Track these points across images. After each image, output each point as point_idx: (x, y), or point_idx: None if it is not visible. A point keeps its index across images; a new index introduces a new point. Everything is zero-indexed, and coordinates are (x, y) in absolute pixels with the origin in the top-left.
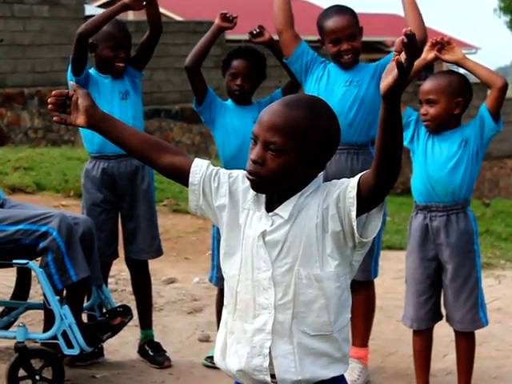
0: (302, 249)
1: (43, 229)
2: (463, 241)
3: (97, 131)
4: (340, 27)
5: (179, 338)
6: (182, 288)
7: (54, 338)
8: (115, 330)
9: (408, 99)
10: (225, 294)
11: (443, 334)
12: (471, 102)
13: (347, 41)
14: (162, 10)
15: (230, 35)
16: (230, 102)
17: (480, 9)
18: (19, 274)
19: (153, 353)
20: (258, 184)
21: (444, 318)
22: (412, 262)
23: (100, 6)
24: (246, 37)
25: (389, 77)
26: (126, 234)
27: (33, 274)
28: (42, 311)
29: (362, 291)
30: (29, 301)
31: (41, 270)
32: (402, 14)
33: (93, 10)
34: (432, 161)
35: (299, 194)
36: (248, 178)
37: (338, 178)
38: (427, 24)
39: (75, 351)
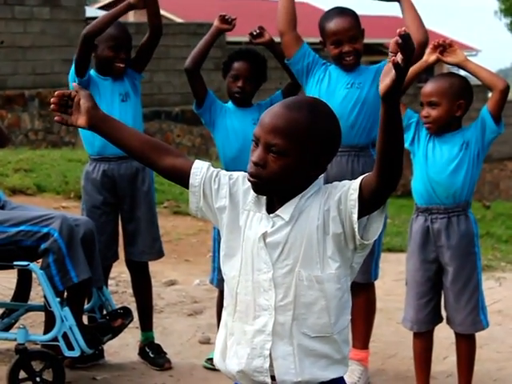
0: (302, 250)
1: (45, 230)
2: (464, 243)
3: (97, 132)
4: (342, 29)
5: (180, 339)
6: (183, 290)
7: (55, 339)
8: (116, 331)
9: (408, 101)
10: (225, 296)
11: (443, 336)
12: (471, 105)
13: (349, 43)
14: (162, 12)
15: (230, 37)
16: (230, 104)
17: (480, 11)
18: (20, 276)
19: (153, 355)
20: (259, 186)
21: (444, 321)
22: (412, 264)
23: (101, 8)
24: (247, 39)
25: (387, 78)
26: (127, 236)
27: (33, 275)
28: (43, 313)
29: (363, 293)
30: (29, 303)
31: (41, 271)
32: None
33: (93, 11)
34: (433, 163)
35: (300, 195)
36: (249, 180)
37: (339, 180)
38: (428, 26)
39: (76, 353)
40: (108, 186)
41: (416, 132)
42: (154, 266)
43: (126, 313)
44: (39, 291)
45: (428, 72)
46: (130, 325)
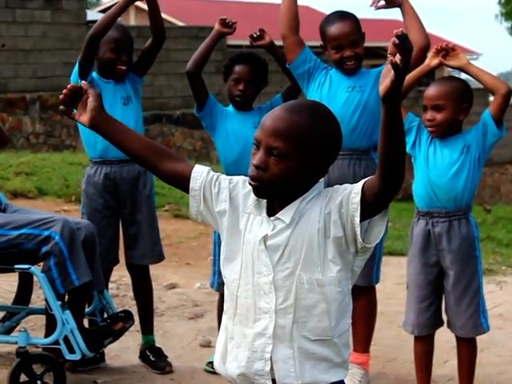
0: (303, 253)
1: (46, 233)
2: (465, 247)
3: (99, 133)
4: (342, 34)
5: (180, 343)
6: (184, 293)
7: (56, 343)
8: (117, 335)
9: (409, 105)
10: (225, 299)
11: (444, 339)
12: (471, 108)
13: (350, 47)
14: (163, 15)
15: (231, 40)
16: (230, 107)
17: (481, 15)
18: (21, 279)
19: (154, 358)
20: (260, 189)
21: (445, 324)
22: (413, 268)
23: (102, 11)
24: (247, 42)
25: (386, 79)
26: (128, 240)
27: (35, 279)
28: (44, 316)
29: (364, 297)
30: (30, 306)
31: (43, 274)
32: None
33: (94, 15)
34: (434, 167)
35: (301, 198)
36: (250, 184)
37: (340, 184)
38: (428, 30)
39: (77, 356)
40: (110, 189)
41: (417, 136)
42: (154, 270)
43: (126, 316)
44: (40, 294)
45: (428, 76)
46: (131, 328)
